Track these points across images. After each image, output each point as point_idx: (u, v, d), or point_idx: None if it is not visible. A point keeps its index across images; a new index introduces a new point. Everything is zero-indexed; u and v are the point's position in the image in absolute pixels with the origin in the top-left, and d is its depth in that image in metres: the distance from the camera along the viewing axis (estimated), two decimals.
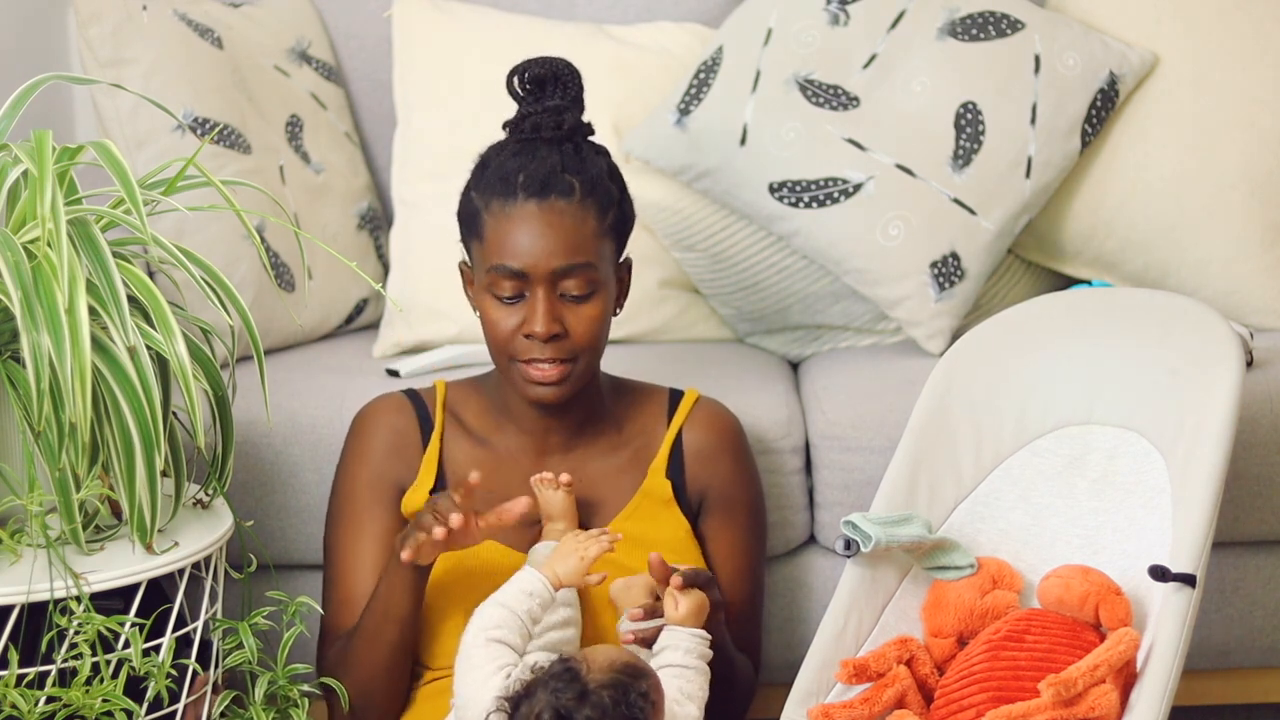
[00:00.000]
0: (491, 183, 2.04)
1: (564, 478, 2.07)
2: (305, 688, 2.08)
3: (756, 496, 2.19)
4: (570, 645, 1.99)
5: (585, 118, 2.09)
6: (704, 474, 2.14)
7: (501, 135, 2.12)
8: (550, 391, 2.04)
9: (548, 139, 2.05)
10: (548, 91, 2.07)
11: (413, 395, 2.18)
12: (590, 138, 2.10)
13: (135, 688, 1.90)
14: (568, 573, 1.92)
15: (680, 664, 1.89)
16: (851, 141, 2.56)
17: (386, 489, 2.13)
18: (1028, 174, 2.58)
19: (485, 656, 1.86)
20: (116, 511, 1.98)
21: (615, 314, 2.11)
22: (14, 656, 1.87)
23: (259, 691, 2.02)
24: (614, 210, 2.05)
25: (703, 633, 1.92)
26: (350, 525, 2.13)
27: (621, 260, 2.11)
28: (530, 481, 2.08)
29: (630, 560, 2.06)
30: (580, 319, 2.02)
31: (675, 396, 2.19)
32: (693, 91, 2.63)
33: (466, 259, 2.12)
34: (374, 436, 2.15)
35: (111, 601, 1.94)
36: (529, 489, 2.12)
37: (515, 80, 2.07)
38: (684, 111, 2.62)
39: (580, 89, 2.08)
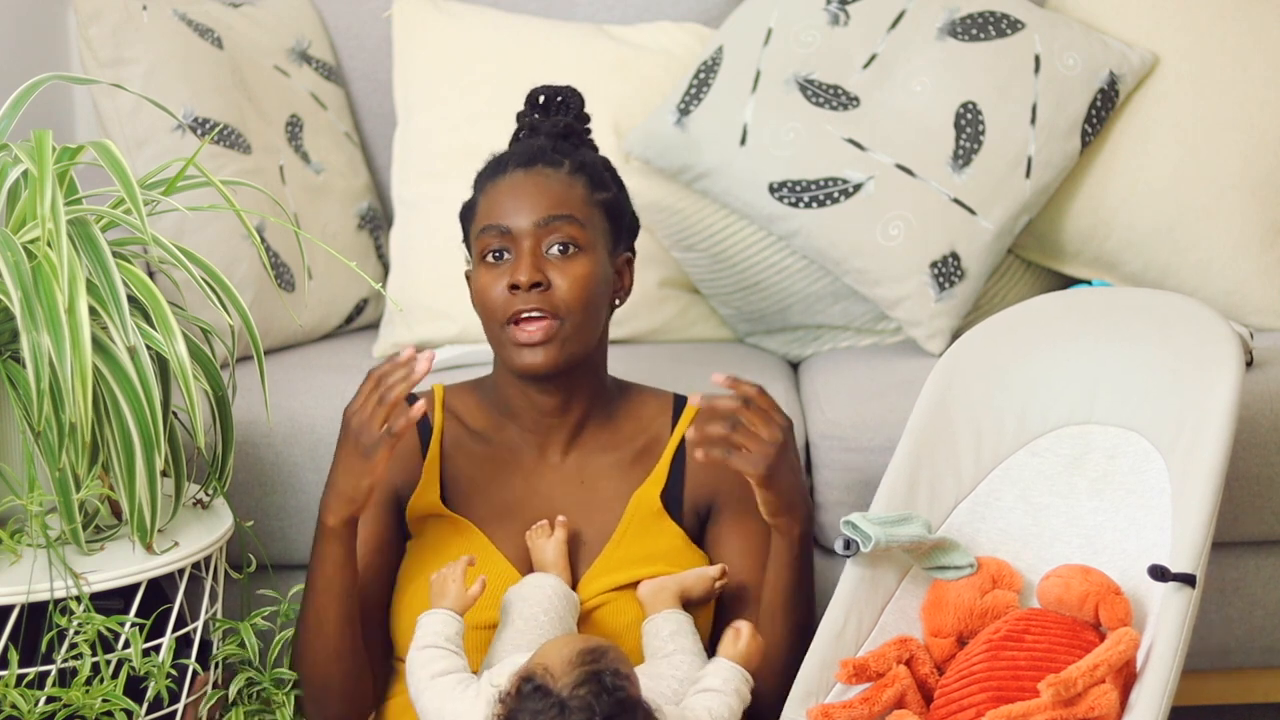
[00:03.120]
0: (486, 170, 2.12)
1: (560, 519, 2.08)
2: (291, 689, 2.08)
3: None
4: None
5: (590, 136, 2.19)
6: (710, 479, 2.14)
7: (504, 138, 2.17)
8: (538, 355, 2.03)
9: (546, 133, 2.13)
10: (552, 111, 2.17)
11: (411, 399, 2.18)
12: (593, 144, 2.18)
13: (135, 688, 1.90)
14: (455, 603, 1.95)
15: (718, 689, 1.89)
16: (851, 141, 2.56)
17: (379, 493, 2.13)
18: (1028, 174, 2.58)
19: (435, 691, 1.88)
20: (116, 511, 1.98)
21: (615, 305, 2.12)
22: (14, 656, 1.87)
23: (234, 689, 2.02)
24: (607, 194, 2.10)
25: (746, 673, 1.92)
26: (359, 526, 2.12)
27: (623, 252, 2.13)
28: (526, 536, 2.09)
29: (627, 574, 2.07)
30: (564, 274, 2.04)
31: (680, 402, 2.19)
32: (693, 91, 2.63)
33: (469, 258, 2.13)
34: None
35: (111, 601, 1.94)
36: (531, 487, 2.12)
37: (526, 103, 2.18)
38: (684, 111, 2.62)
39: (582, 108, 2.17)
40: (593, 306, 2.06)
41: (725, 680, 1.90)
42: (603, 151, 2.22)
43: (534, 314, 2.03)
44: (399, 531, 2.13)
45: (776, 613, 2.02)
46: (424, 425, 2.16)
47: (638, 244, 2.65)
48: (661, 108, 2.65)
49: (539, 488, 2.13)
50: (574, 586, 2.07)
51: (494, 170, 2.10)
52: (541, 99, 2.17)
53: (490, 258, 2.06)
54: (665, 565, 2.09)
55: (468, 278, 2.14)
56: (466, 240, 2.13)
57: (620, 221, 2.12)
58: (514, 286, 2.03)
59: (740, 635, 1.93)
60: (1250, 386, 2.32)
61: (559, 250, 2.04)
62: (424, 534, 2.12)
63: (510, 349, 2.05)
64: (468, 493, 2.13)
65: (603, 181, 2.11)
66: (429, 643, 1.92)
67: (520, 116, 2.18)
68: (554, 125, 2.14)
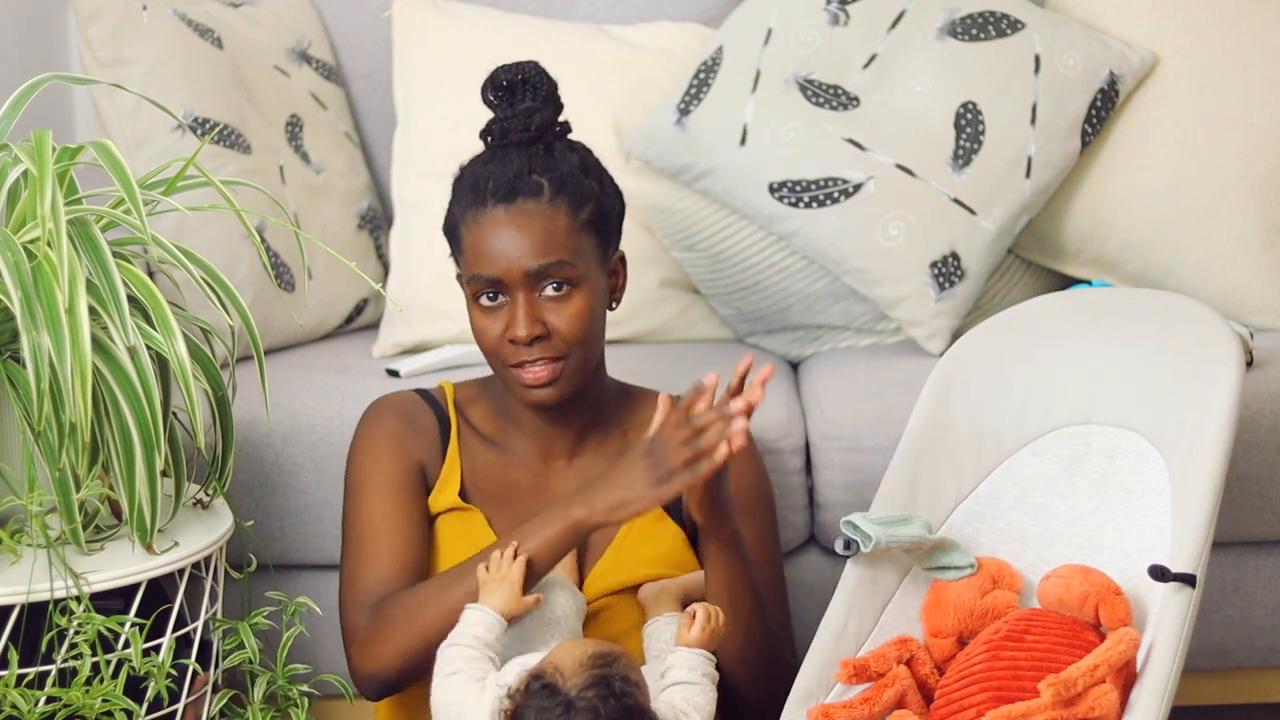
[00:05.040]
0: (465, 193, 2.06)
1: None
2: (304, 688, 2.08)
3: (767, 491, 2.18)
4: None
5: (565, 116, 2.10)
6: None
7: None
8: (546, 393, 2.04)
9: (517, 142, 2.06)
10: (518, 95, 2.07)
11: (424, 394, 2.18)
12: (568, 136, 2.10)
13: (135, 688, 1.90)
14: (503, 603, 1.91)
15: (686, 680, 1.90)
16: (851, 141, 2.56)
17: (411, 456, 2.11)
18: (1028, 174, 2.58)
19: (448, 689, 1.86)
20: (116, 511, 1.98)
21: (612, 308, 2.11)
22: (14, 656, 1.87)
23: (258, 692, 2.03)
24: (590, 205, 2.05)
25: (707, 653, 1.92)
26: (384, 485, 2.09)
27: (613, 254, 2.11)
28: None
29: (628, 577, 2.07)
30: (563, 316, 2.02)
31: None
32: (693, 91, 2.63)
33: (459, 269, 2.12)
34: (392, 417, 2.14)
35: (111, 601, 1.94)
36: (537, 490, 2.12)
37: (487, 91, 2.08)
38: (684, 111, 2.62)
39: (551, 88, 2.08)
40: (594, 335, 2.05)
41: (692, 669, 1.90)
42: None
43: (538, 360, 2.02)
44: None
45: (727, 612, 2.00)
46: (442, 419, 2.15)
47: (638, 244, 2.67)
48: (661, 108, 2.65)
49: (544, 491, 2.13)
50: (580, 588, 2.07)
51: (473, 198, 2.04)
52: (505, 81, 2.08)
53: (484, 300, 2.04)
54: (666, 568, 2.09)
55: (460, 280, 2.13)
56: (453, 255, 2.10)
57: (607, 227, 2.08)
58: (513, 339, 2.02)
59: (695, 620, 1.92)
60: (1250, 386, 2.32)
61: (554, 289, 2.02)
62: (435, 527, 2.11)
63: (517, 388, 2.05)
64: (480, 491, 2.12)
65: (584, 192, 2.05)
66: (454, 641, 1.90)
67: (486, 102, 2.09)
68: (524, 125, 2.05)
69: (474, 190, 2.04)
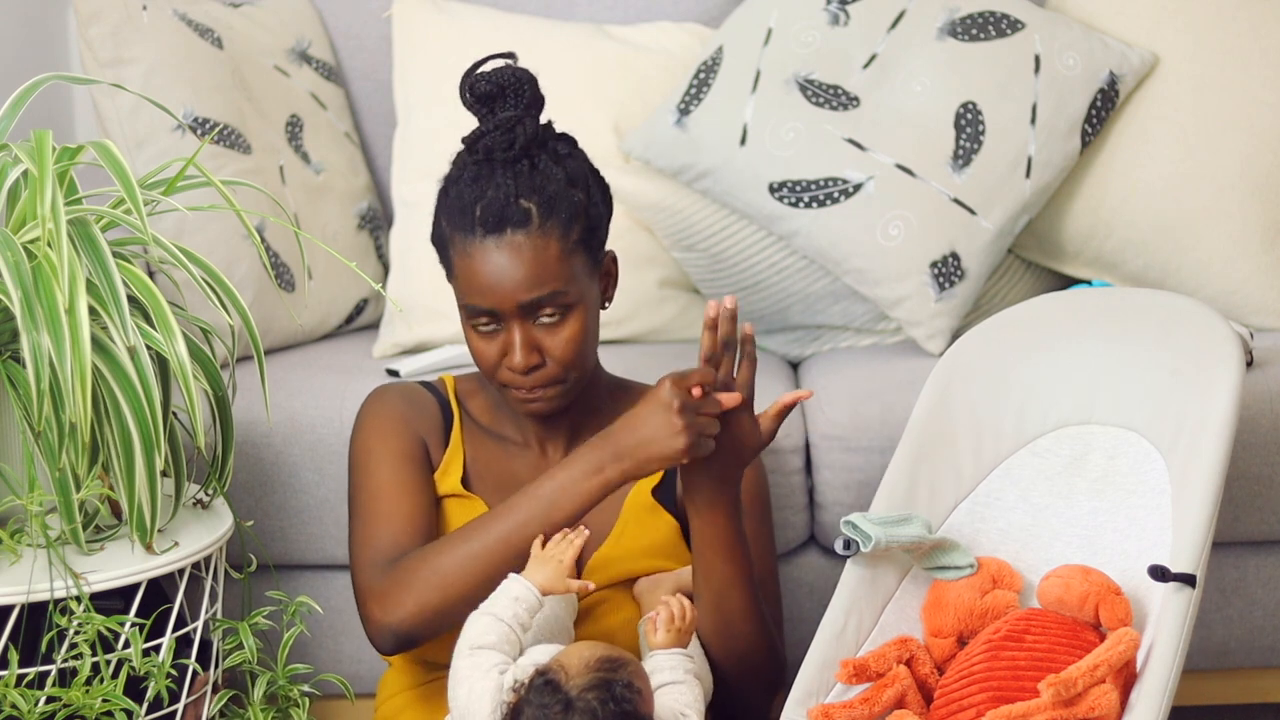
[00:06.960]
0: (453, 214, 2.02)
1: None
2: (305, 688, 2.08)
3: (762, 484, 2.17)
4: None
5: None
6: None
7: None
8: (542, 407, 2.05)
9: (501, 160, 2.01)
10: (498, 105, 2.02)
11: (426, 384, 2.19)
12: (552, 139, 2.04)
13: (135, 688, 1.90)
14: (547, 579, 1.90)
15: (671, 680, 1.90)
16: (851, 141, 2.56)
17: (416, 433, 2.11)
18: (1028, 174, 2.58)
19: (471, 665, 1.85)
20: (116, 511, 1.98)
21: (604, 307, 2.10)
22: (14, 656, 1.87)
23: (258, 692, 2.03)
24: (580, 222, 2.01)
25: (684, 651, 1.93)
26: (391, 456, 2.08)
27: (603, 255, 2.09)
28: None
29: (624, 570, 2.07)
30: (558, 342, 2.01)
31: None
32: (693, 91, 2.63)
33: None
34: (396, 398, 2.13)
35: (111, 601, 1.94)
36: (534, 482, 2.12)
37: (466, 95, 2.03)
38: (684, 111, 2.62)
39: (532, 91, 2.02)
40: (590, 350, 2.05)
41: (674, 669, 1.90)
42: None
43: (534, 390, 2.02)
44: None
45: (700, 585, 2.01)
46: (445, 408, 2.15)
47: (638, 244, 2.67)
48: (661, 108, 2.65)
49: None
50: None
51: (461, 223, 2.00)
52: (483, 91, 2.01)
53: (480, 326, 2.03)
54: (663, 560, 2.09)
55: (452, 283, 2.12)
56: (443, 265, 2.07)
57: (597, 237, 2.05)
58: (510, 369, 2.01)
59: (657, 626, 1.92)
60: (1250, 386, 2.32)
61: (548, 317, 2.00)
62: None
63: (514, 403, 2.05)
64: (482, 479, 2.13)
65: (573, 210, 2.01)
66: (487, 609, 1.89)
67: (466, 103, 2.02)
68: (507, 141, 2.00)
69: (461, 214, 2.01)
